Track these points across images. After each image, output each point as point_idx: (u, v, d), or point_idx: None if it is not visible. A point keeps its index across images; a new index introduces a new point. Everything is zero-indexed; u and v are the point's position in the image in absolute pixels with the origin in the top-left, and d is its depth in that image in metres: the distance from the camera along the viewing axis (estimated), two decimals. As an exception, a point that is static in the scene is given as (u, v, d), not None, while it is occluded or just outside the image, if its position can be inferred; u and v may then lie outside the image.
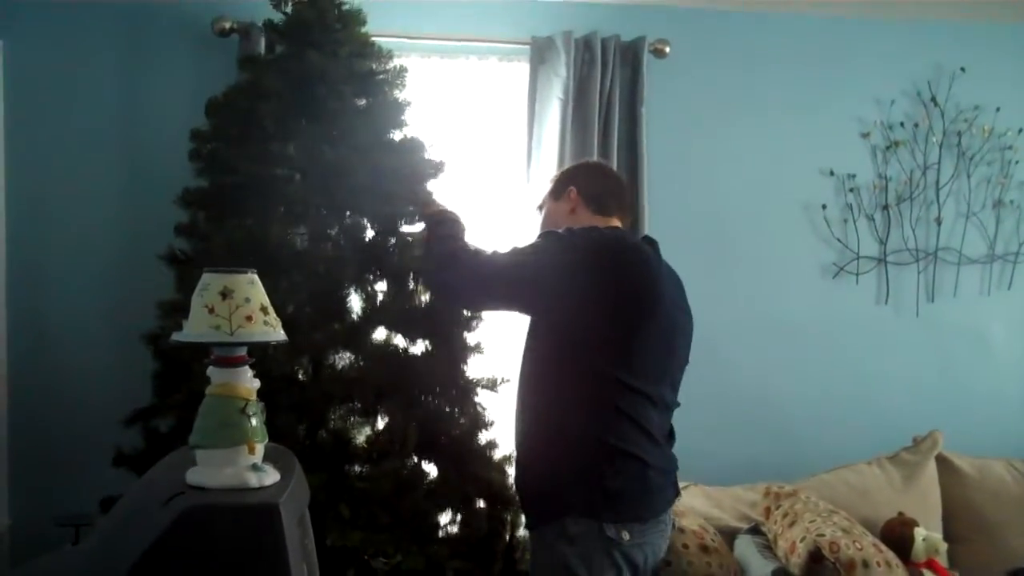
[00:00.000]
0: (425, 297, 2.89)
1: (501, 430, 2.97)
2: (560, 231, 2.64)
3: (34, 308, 3.64)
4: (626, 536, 2.46)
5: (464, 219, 2.80)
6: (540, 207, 2.95)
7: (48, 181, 3.66)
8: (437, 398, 2.88)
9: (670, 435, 2.72)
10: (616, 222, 2.81)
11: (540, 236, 2.69)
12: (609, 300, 2.53)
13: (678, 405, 2.74)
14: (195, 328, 1.90)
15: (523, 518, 2.77)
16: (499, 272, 2.57)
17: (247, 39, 3.59)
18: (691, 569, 3.06)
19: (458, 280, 2.61)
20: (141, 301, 3.06)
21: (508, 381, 2.92)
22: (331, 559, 2.53)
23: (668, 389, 2.68)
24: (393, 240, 2.91)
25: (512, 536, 2.94)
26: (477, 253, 2.60)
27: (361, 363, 2.81)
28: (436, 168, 3.01)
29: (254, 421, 1.90)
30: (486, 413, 2.97)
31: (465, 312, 2.93)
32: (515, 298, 2.63)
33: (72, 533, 3.05)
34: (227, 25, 3.61)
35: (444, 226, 2.74)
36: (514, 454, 2.74)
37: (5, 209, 3.58)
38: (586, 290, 2.52)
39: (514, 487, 2.77)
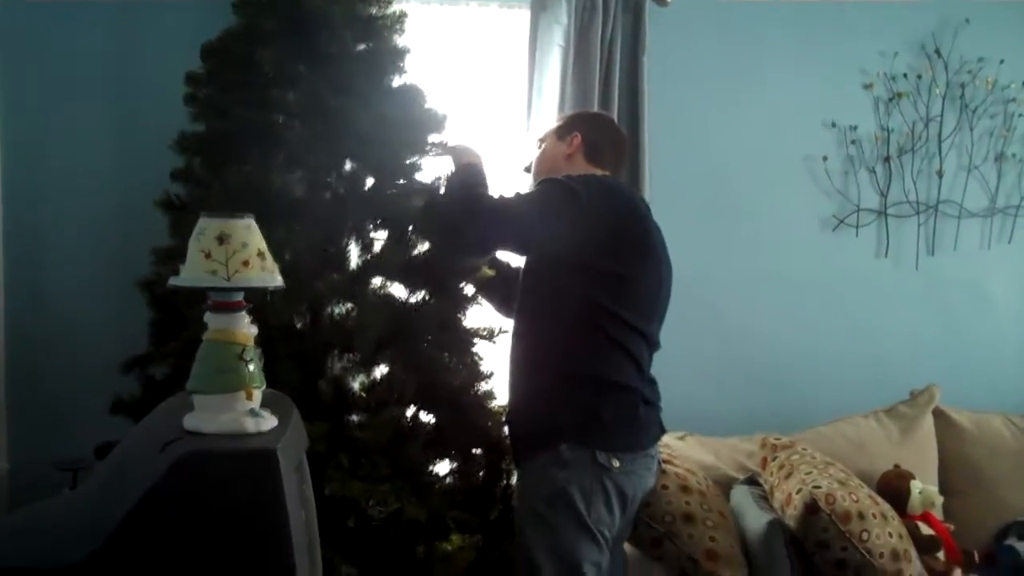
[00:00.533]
0: (423, 247, 2.88)
1: (498, 381, 2.97)
2: (561, 178, 2.73)
3: (31, 255, 3.61)
4: (616, 464, 2.62)
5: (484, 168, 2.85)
6: (541, 141, 3.06)
7: (43, 126, 3.61)
8: (436, 348, 2.88)
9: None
10: (607, 174, 2.93)
11: (544, 183, 2.78)
12: (608, 238, 2.66)
13: (659, 347, 2.86)
14: (191, 273, 1.89)
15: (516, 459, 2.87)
16: (517, 223, 2.66)
17: (246, -18, 3.54)
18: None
19: (476, 228, 2.66)
20: (139, 248, 3.03)
21: (505, 332, 2.93)
22: (330, 508, 2.54)
23: (656, 329, 2.83)
24: (394, 188, 2.89)
25: (508, 483, 2.96)
26: (493, 200, 2.67)
27: (360, 312, 2.80)
28: (438, 120, 2.98)
29: (251, 367, 1.89)
30: (483, 363, 2.97)
31: (464, 260, 2.92)
32: (529, 246, 2.74)
33: (70, 478, 3.06)
34: (227, -32, 3.56)
35: (470, 175, 2.78)
36: (508, 394, 2.84)
37: (1, 157, 3.55)
38: (588, 231, 2.63)
39: (507, 420, 2.88)
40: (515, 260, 3.03)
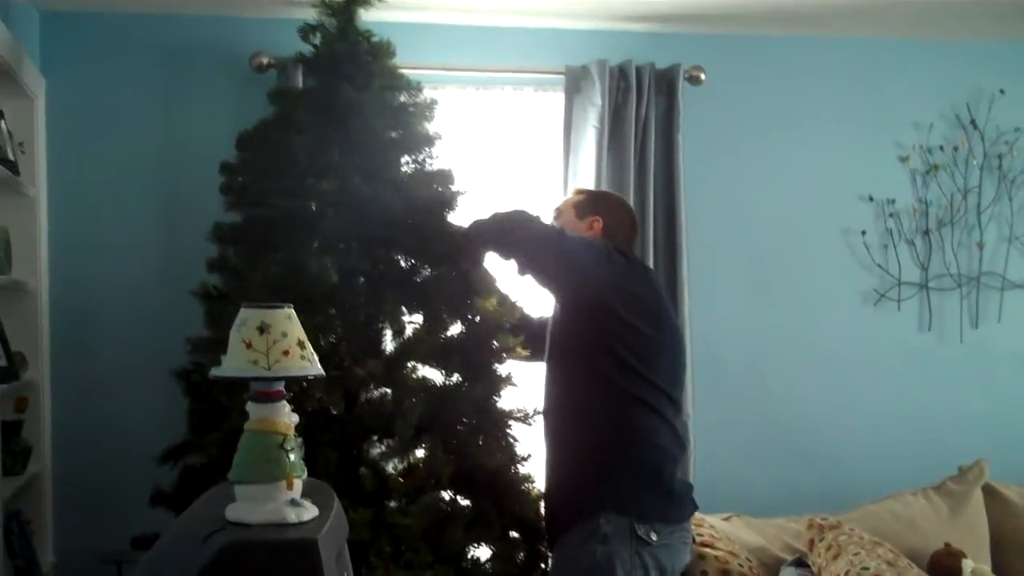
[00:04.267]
0: (456, 329, 2.89)
1: (535, 463, 2.96)
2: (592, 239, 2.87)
3: (76, 344, 3.66)
4: (654, 537, 2.61)
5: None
6: (558, 211, 3.08)
7: (89, 218, 3.70)
8: (471, 431, 2.87)
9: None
10: None
11: (578, 237, 2.87)
12: (635, 297, 2.74)
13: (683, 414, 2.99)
14: (234, 363, 1.90)
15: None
16: (572, 251, 2.76)
17: (284, 74, 3.62)
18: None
19: (534, 243, 2.79)
20: (178, 337, 3.05)
21: (540, 413, 2.91)
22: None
23: (681, 396, 2.90)
24: (426, 273, 2.91)
25: (545, 568, 2.92)
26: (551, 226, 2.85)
27: (399, 397, 2.80)
28: (465, 199, 3.02)
29: (292, 456, 1.89)
30: (519, 445, 2.95)
31: (496, 344, 2.91)
32: (573, 277, 2.77)
33: (115, 570, 3.06)
34: (264, 60, 3.63)
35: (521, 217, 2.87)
36: (545, 468, 2.85)
37: (48, 246, 3.60)
38: (620, 283, 2.72)
39: (544, 495, 2.87)
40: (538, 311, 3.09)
